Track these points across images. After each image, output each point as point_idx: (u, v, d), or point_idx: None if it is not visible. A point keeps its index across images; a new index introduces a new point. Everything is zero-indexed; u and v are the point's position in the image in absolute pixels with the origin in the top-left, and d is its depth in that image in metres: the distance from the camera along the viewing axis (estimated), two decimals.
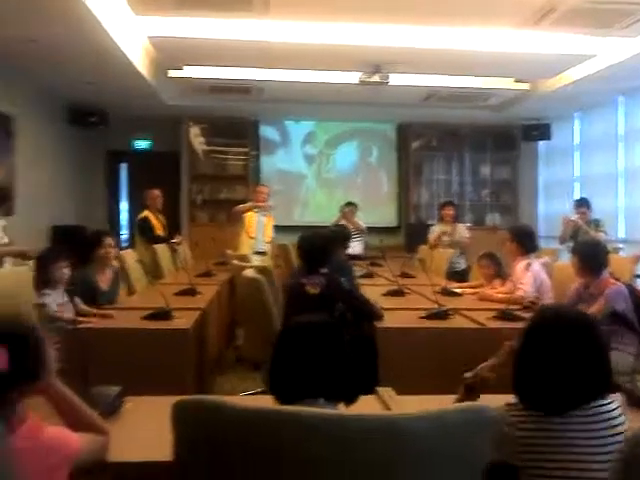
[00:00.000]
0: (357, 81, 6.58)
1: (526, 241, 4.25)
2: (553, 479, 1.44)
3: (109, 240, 4.14)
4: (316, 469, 1.07)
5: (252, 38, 5.53)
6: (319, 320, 1.59)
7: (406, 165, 9.76)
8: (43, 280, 3.46)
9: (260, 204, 6.81)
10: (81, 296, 3.71)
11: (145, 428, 1.76)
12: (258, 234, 6.71)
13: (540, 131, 9.13)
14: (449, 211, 6.81)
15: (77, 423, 1.44)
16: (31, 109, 7.32)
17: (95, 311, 3.60)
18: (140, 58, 6.13)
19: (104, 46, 5.30)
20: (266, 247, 6.76)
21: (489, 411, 1.16)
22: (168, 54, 6.34)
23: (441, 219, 6.93)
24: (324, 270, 3.21)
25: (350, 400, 1.44)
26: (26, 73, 6.73)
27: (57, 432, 1.35)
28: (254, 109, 8.89)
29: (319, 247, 3.29)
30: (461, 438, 1.12)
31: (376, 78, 6.40)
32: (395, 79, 6.61)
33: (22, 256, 4.67)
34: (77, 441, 1.38)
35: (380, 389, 1.99)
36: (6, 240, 4.76)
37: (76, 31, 4.92)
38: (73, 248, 3.96)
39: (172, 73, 7.01)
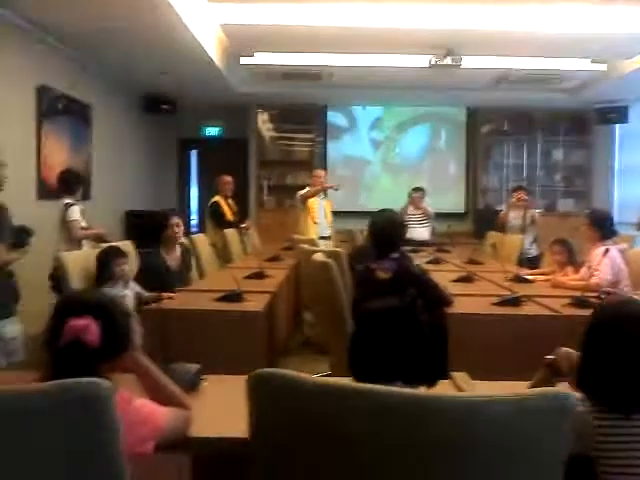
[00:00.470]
0: (428, 64, 6.48)
1: (604, 226, 4.12)
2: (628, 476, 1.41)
3: (176, 219, 4.20)
4: (391, 448, 1.06)
5: (323, 23, 5.53)
6: (397, 304, 1.59)
7: (475, 149, 9.60)
8: (103, 277, 3.56)
9: (328, 185, 6.84)
10: (152, 279, 3.81)
11: (222, 405, 1.80)
12: (322, 219, 6.72)
13: (617, 114, 8.77)
14: (521, 196, 6.66)
15: (162, 397, 1.49)
16: (108, 98, 7.57)
17: (160, 295, 3.65)
18: (212, 46, 6.22)
19: (178, 34, 5.40)
20: (330, 231, 6.79)
21: (572, 398, 1.12)
22: (240, 41, 6.41)
23: (512, 204, 6.79)
24: (395, 255, 3.19)
25: (429, 383, 1.44)
26: (103, 63, 6.94)
27: (145, 405, 1.40)
28: (322, 95, 8.90)
29: (390, 231, 3.27)
30: (542, 424, 1.08)
31: (448, 61, 6.29)
32: (467, 62, 6.47)
33: (99, 239, 4.84)
34: (163, 415, 1.42)
35: (455, 374, 1.97)
36: (84, 224, 4.94)
37: (150, 20, 5.04)
38: (143, 233, 4.06)
39: (243, 60, 7.07)
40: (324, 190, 6.85)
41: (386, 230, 3.26)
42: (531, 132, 9.51)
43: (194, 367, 1.91)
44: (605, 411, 1.46)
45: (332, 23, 5.52)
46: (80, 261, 3.62)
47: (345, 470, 1.09)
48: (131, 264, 3.90)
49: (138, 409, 1.36)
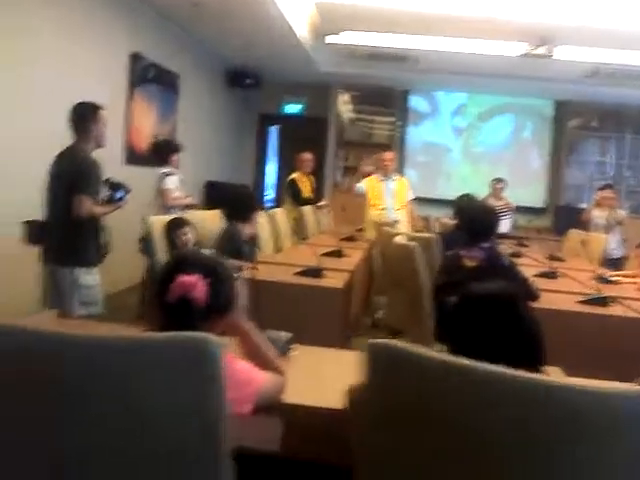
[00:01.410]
0: (519, 53, 6.30)
1: None
2: None
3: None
4: (507, 427, 1.04)
5: (416, 6, 5.44)
6: (500, 288, 1.56)
7: (560, 144, 9.30)
8: (169, 246, 3.64)
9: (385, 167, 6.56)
10: (230, 249, 3.87)
11: (311, 375, 1.82)
12: (387, 204, 6.44)
13: None
14: (607, 194, 6.42)
15: (261, 361, 1.51)
16: (195, 70, 7.70)
17: (243, 264, 3.69)
18: (302, 23, 6.22)
19: (266, 9, 5.43)
20: (398, 214, 6.45)
21: None
22: (330, 19, 6.39)
23: (597, 203, 6.55)
24: (485, 244, 3.12)
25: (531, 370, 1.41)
26: (194, 35, 7.07)
27: (247, 367, 1.43)
28: (406, 79, 8.79)
29: (484, 219, 3.20)
30: None
31: (541, 51, 6.09)
32: (559, 53, 6.25)
33: (190, 208, 4.99)
34: (263, 378, 1.45)
35: (549, 367, 1.92)
36: (178, 193, 5.12)
37: None
38: (228, 204, 4.12)
39: (329, 39, 7.04)
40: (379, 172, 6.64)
41: (479, 218, 3.20)
42: (620, 130, 9.14)
43: (286, 335, 1.93)
44: None
45: (426, 6, 5.42)
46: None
47: (455, 444, 1.07)
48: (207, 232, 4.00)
49: (241, 370, 1.38)
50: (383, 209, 6.38)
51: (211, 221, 4.55)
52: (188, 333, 1.14)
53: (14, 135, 4.40)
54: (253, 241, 4.42)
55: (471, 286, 1.64)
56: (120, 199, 3.60)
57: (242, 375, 1.37)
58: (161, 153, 5.27)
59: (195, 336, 1.13)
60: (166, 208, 4.91)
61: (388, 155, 6.69)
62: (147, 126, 6.52)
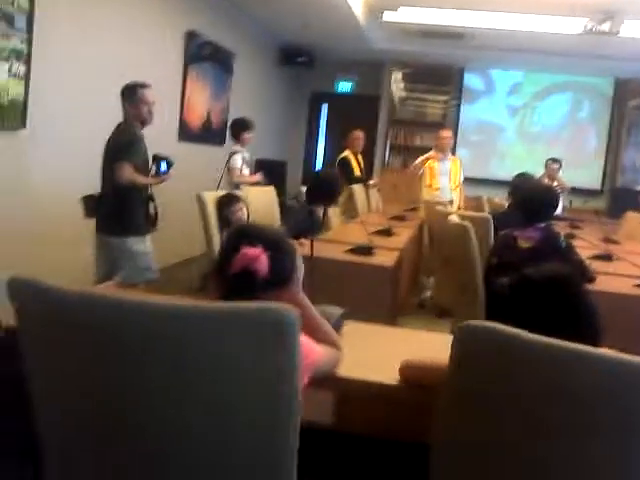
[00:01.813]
0: (581, 30, 6.09)
1: None
2: None
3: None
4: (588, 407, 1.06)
5: None
6: (556, 270, 1.54)
7: (619, 124, 9.01)
8: (223, 222, 3.69)
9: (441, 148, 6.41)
10: (297, 226, 3.91)
11: (364, 350, 1.84)
12: (442, 184, 6.36)
13: None
14: None
15: (317, 335, 1.53)
16: (248, 47, 7.73)
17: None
18: (357, 0, 6.17)
19: None
20: (453, 195, 6.40)
21: None
22: None
23: None
24: (541, 225, 3.07)
25: None
26: (247, 13, 7.08)
27: (305, 340, 1.45)
28: (461, 56, 8.63)
29: (542, 199, 3.14)
30: None
31: (605, 27, 5.86)
32: (625, 29, 6.02)
33: (256, 185, 5.11)
34: (319, 352, 1.47)
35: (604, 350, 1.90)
36: (246, 171, 5.29)
37: None
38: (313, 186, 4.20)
39: (386, 15, 6.94)
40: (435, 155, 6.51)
41: (537, 197, 3.14)
42: None
43: (339, 310, 1.96)
44: None
45: None
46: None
47: (538, 425, 1.09)
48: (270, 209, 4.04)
49: (300, 343, 1.40)
50: (438, 189, 6.31)
51: (263, 198, 4.60)
52: (266, 303, 1.14)
53: (76, 110, 4.52)
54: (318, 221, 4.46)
55: (527, 268, 1.63)
56: (164, 172, 3.74)
57: (301, 348, 1.39)
58: (233, 131, 5.41)
59: (273, 306, 1.12)
60: (233, 185, 5.03)
61: (446, 133, 6.55)
62: (201, 104, 6.60)
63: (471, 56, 8.54)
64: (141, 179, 3.64)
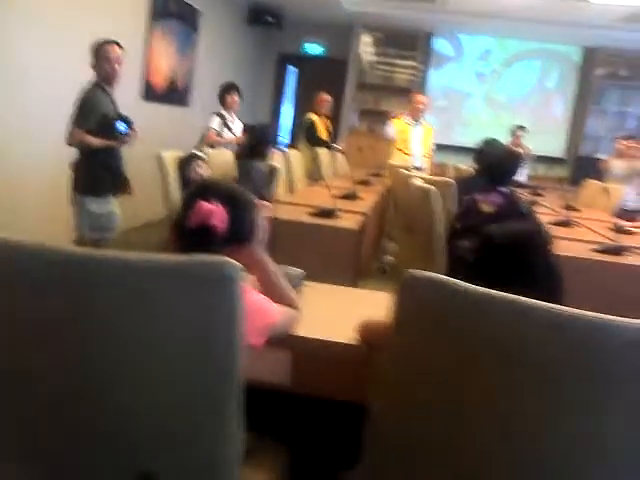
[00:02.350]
0: None
1: None
2: None
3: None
4: (535, 360, 1.02)
5: None
6: (523, 227, 1.55)
7: (586, 93, 9.07)
8: (183, 182, 3.67)
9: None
10: (248, 187, 3.87)
11: (323, 310, 1.84)
12: (414, 149, 6.38)
13: None
14: (631, 144, 6.29)
15: (275, 294, 1.52)
16: (215, 5, 7.54)
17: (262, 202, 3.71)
18: None
19: None
20: (423, 162, 6.45)
21: None
22: None
23: (618, 153, 6.44)
24: (504, 189, 3.08)
25: None
26: None
27: (262, 299, 1.44)
28: (431, 20, 8.54)
29: (505, 163, 3.15)
30: None
31: None
32: None
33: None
34: (277, 311, 1.46)
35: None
36: (225, 135, 5.35)
37: None
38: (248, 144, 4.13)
39: None
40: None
41: (501, 161, 3.14)
42: None
43: (298, 272, 1.95)
44: None
45: None
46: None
47: (482, 383, 1.07)
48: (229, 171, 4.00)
49: (255, 301, 1.39)
50: (410, 154, 6.29)
51: (226, 159, 4.54)
52: (207, 256, 1.12)
53: (38, 69, 4.38)
54: (271, 179, 4.41)
55: (491, 227, 1.63)
56: (123, 133, 3.70)
57: (257, 306, 1.38)
58: (218, 94, 5.55)
59: (215, 258, 1.11)
60: (207, 145, 5.11)
61: (422, 98, 6.51)
62: (166, 62, 6.45)
63: (441, 20, 8.48)
64: (93, 141, 3.61)
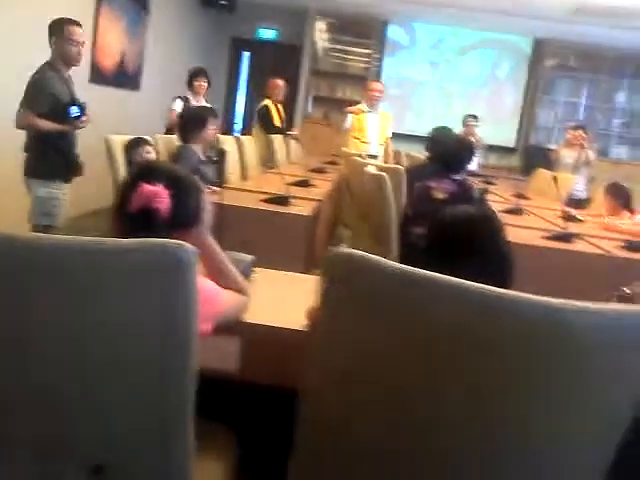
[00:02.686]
0: None
1: None
2: None
3: (214, 120, 4.03)
4: (463, 341, 0.99)
5: None
6: (477, 211, 1.54)
7: (535, 83, 9.22)
8: (130, 166, 3.58)
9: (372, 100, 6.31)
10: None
11: (273, 296, 1.81)
12: (371, 137, 6.33)
13: None
14: (579, 134, 6.42)
15: (223, 280, 1.48)
16: None
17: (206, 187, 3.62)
18: None
19: None
20: (379, 150, 6.42)
21: None
22: None
23: (568, 142, 6.56)
24: (456, 177, 3.10)
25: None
26: None
27: (209, 285, 1.39)
28: (385, 8, 8.54)
29: (458, 151, 3.17)
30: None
31: None
32: None
33: None
34: (226, 297, 1.42)
35: None
36: None
37: None
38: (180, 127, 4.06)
39: None
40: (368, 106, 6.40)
41: (455, 149, 3.16)
42: (596, 71, 9.08)
43: (248, 257, 1.91)
44: None
45: None
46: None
47: (410, 356, 1.04)
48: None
49: (203, 287, 1.34)
50: (365, 142, 6.25)
51: (174, 143, 4.44)
52: (158, 239, 1.08)
53: None
54: (218, 162, 4.29)
55: (444, 210, 1.62)
56: (76, 117, 3.60)
57: (204, 292, 1.33)
58: (188, 80, 5.66)
59: (168, 242, 1.07)
60: (167, 128, 5.19)
61: (378, 85, 6.44)
62: (115, 44, 6.27)
63: (396, 8, 8.48)
64: (43, 124, 3.51)
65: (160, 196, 1.32)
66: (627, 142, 9.26)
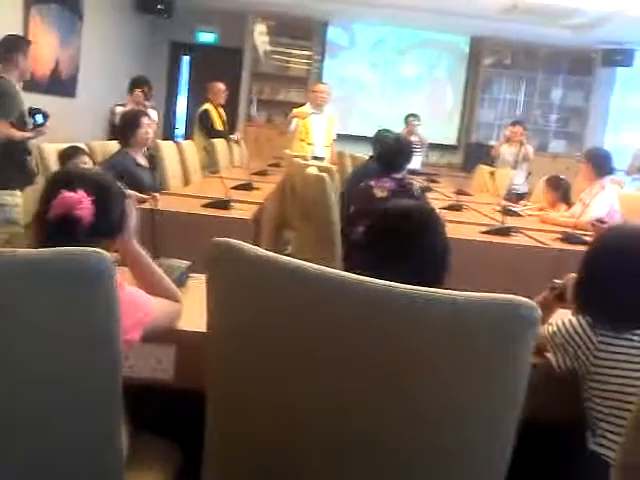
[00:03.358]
0: None
1: (602, 163, 4.11)
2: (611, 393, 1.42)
3: (147, 120, 3.87)
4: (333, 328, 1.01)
5: None
6: (419, 204, 1.56)
7: (475, 82, 9.39)
8: None
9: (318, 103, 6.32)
10: (121, 179, 3.67)
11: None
12: (316, 139, 6.35)
13: (622, 57, 8.60)
14: (518, 130, 6.56)
15: (152, 287, 1.44)
16: None
17: (140, 196, 3.51)
18: None
19: None
20: (325, 152, 6.43)
21: (535, 310, 0.95)
22: None
23: (507, 139, 6.71)
24: (397, 175, 3.13)
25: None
26: None
27: (136, 293, 1.35)
28: (324, 9, 8.53)
29: (398, 151, 3.21)
30: (501, 334, 0.95)
31: None
32: None
33: None
34: (155, 305, 1.38)
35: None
36: None
37: None
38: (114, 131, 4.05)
39: None
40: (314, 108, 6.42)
41: (394, 148, 3.21)
42: (532, 68, 9.30)
43: (184, 264, 1.87)
44: (605, 332, 1.45)
45: None
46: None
47: (301, 351, 1.04)
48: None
49: (129, 295, 1.31)
50: (310, 144, 6.24)
51: (110, 150, 4.34)
52: (73, 248, 1.04)
53: None
54: (154, 169, 4.20)
55: (383, 206, 1.63)
56: (41, 124, 3.78)
57: (131, 301, 1.30)
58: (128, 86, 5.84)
59: (81, 250, 1.03)
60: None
61: (324, 87, 6.46)
62: (48, 51, 6.10)
63: (335, 9, 8.50)
64: (18, 134, 3.66)
65: (81, 203, 1.27)
66: (564, 137, 9.52)
